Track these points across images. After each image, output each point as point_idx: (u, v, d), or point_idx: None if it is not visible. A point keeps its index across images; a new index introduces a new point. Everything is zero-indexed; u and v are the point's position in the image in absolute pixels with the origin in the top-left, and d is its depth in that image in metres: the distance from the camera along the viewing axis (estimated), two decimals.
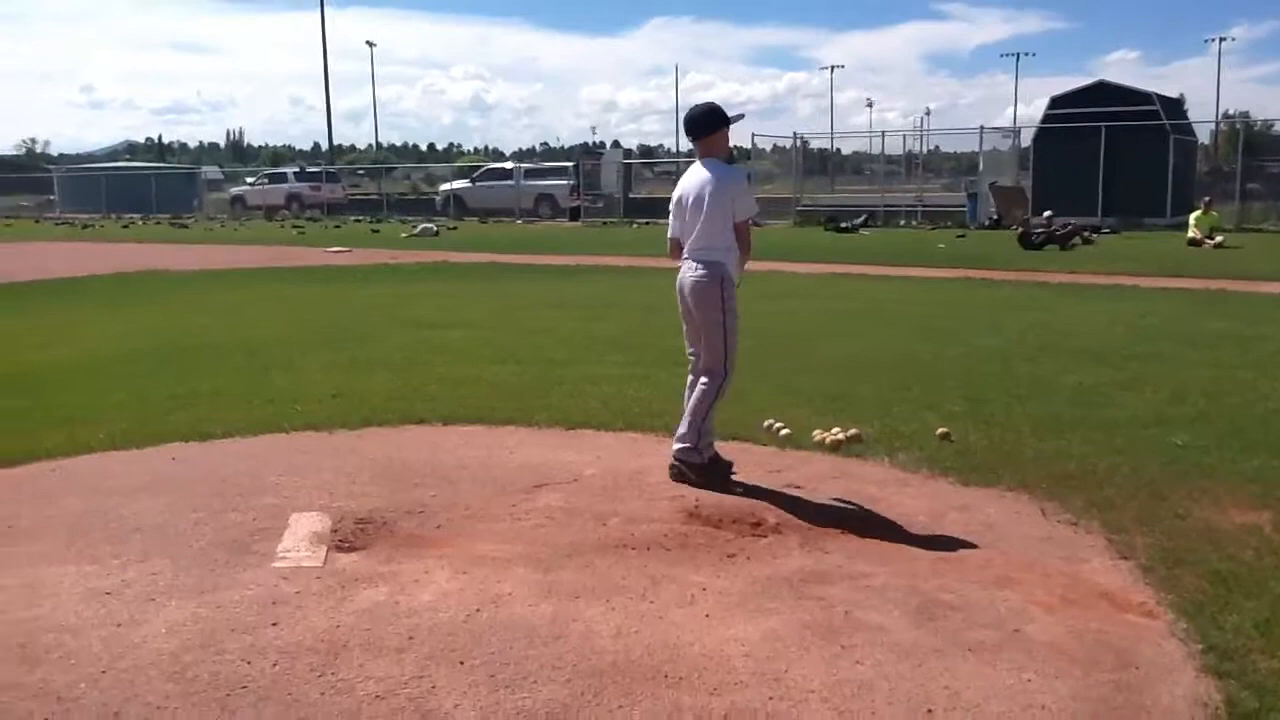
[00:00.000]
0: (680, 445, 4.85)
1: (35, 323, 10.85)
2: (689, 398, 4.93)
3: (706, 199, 4.77)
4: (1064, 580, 3.72)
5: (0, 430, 5.87)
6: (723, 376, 4.86)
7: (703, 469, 4.82)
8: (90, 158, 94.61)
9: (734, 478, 4.84)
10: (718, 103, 5.08)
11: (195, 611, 3.42)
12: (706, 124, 4.88)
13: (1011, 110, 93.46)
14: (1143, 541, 4.06)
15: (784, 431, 5.67)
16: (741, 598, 3.53)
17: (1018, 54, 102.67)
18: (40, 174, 62.44)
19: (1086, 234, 21.29)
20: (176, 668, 3.04)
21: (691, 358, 5.01)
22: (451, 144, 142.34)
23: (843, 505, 4.53)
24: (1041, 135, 29.39)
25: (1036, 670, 3.03)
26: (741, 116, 5.08)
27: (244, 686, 2.93)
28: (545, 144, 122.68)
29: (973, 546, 4.05)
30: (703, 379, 4.89)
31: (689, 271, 4.85)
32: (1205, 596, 3.54)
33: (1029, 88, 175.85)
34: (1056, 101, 29.62)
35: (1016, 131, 33.50)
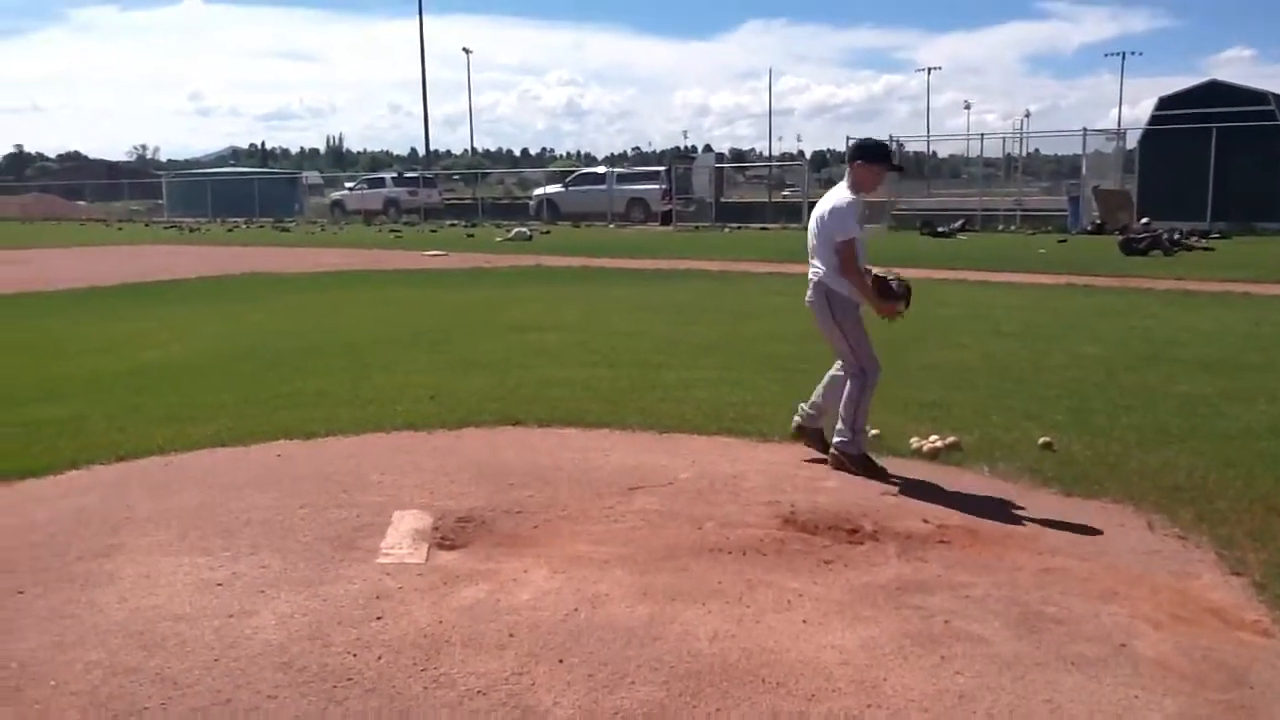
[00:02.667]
0: (838, 439, 5.18)
1: (151, 323, 11.25)
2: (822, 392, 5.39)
3: (821, 224, 5.16)
4: (1173, 595, 3.62)
5: (119, 426, 6.11)
6: (861, 376, 5.14)
7: (860, 460, 5.12)
8: (197, 163, 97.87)
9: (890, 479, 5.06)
10: (886, 144, 5.69)
11: (303, 604, 3.52)
12: (860, 153, 5.20)
13: (1116, 112, 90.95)
14: (1256, 558, 3.93)
15: (874, 434, 5.61)
16: (839, 605, 3.51)
17: (1123, 53, 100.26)
18: (150, 179, 64.81)
19: (1194, 239, 20.62)
20: (285, 658, 3.13)
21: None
22: (545, 149, 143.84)
23: (942, 513, 4.46)
24: (1148, 137, 28.51)
25: (1144, 687, 2.96)
26: (901, 169, 5.44)
27: (350, 679, 3.01)
28: (637, 148, 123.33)
29: (1077, 559, 3.96)
30: (848, 381, 5.21)
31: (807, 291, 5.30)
32: None
33: (1135, 88, 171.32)
34: (1165, 102, 28.70)
35: (1121, 134, 32.55)
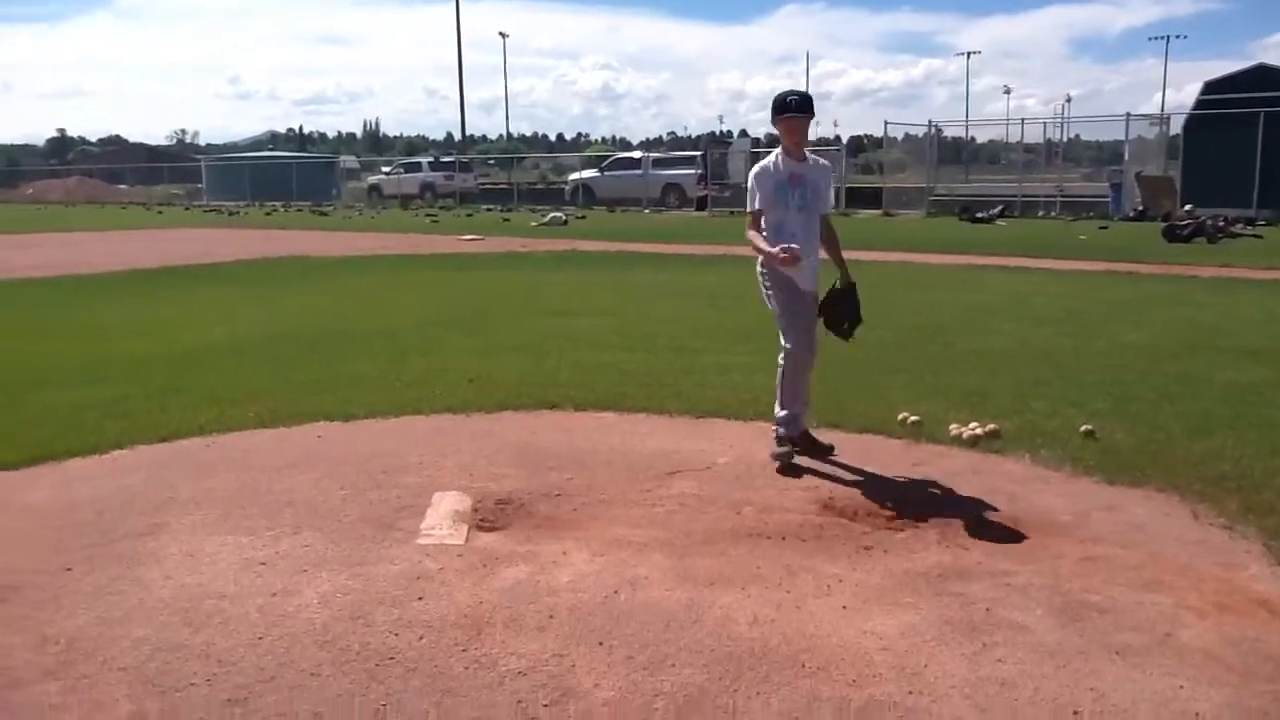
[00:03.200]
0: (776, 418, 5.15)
1: (191, 306, 11.38)
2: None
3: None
4: (1218, 585, 3.57)
5: (161, 407, 6.18)
6: (787, 355, 5.04)
7: (783, 442, 5.05)
8: (235, 147, 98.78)
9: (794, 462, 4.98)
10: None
11: (345, 584, 3.55)
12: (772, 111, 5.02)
13: (1159, 96, 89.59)
14: None
15: (914, 420, 5.59)
16: (879, 591, 3.50)
17: (1167, 37, 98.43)
18: (189, 163, 65.40)
19: (1240, 226, 20.29)
20: (328, 637, 3.16)
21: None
22: (580, 134, 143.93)
23: (981, 501, 4.43)
24: (1193, 122, 28.01)
25: (1189, 677, 2.93)
26: (801, 110, 4.98)
27: (392, 658, 3.03)
28: (672, 133, 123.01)
29: (1120, 547, 3.92)
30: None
31: None
32: None
33: (1179, 72, 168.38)
34: (1211, 86, 28.18)
35: (1165, 119, 32.05)
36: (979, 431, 5.37)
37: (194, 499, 4.49)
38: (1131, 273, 13.82)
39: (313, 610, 3.35)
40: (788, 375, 5.07)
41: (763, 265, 5.05)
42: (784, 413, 5.09)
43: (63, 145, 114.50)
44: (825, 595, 3.46)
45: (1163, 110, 39.90)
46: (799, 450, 5.07)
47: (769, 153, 5.20)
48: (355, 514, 4.27)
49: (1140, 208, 26.70)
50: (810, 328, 5.09)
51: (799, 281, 5.00)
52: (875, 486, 4.62)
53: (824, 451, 5.14)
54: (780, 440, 5.08)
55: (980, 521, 4.18)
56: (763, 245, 4.94)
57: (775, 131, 5.08)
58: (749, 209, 5.06)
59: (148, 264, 16.52)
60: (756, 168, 5.06)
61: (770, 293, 5.06)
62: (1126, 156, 30.15)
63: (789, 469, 4.90)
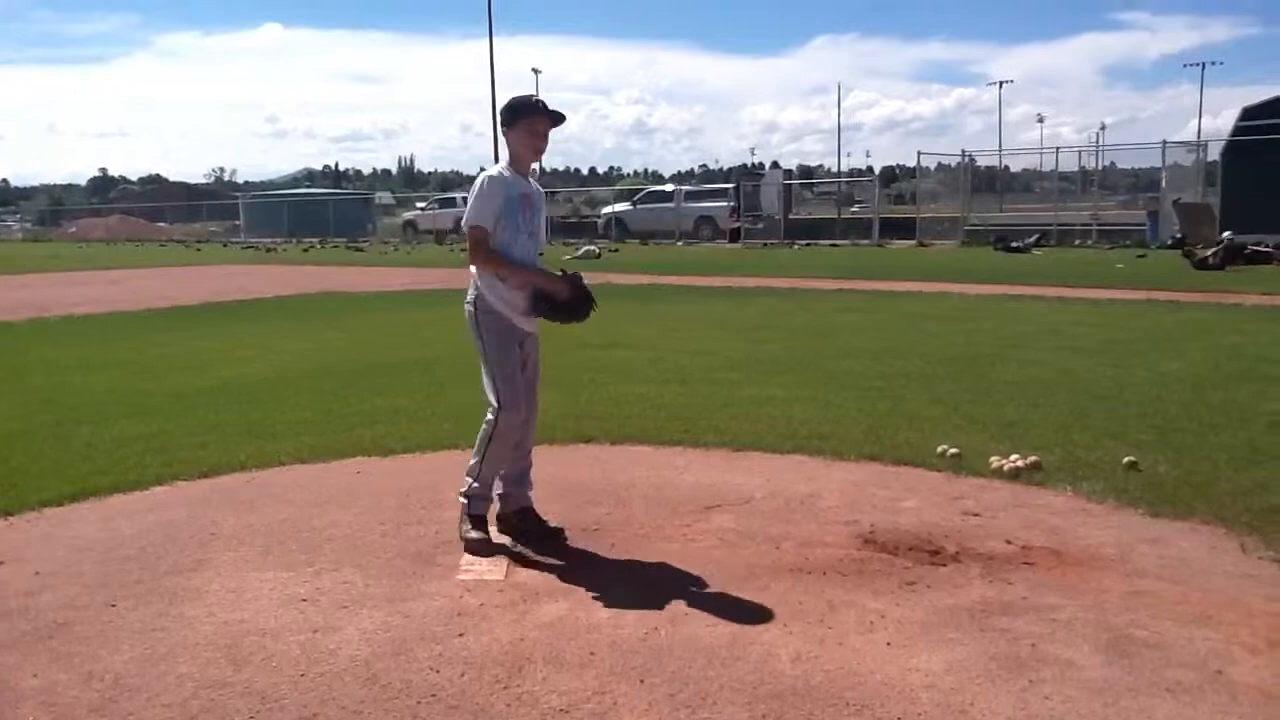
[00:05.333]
0: (462, 487, 4.39)
1: (230, 341, 11.50)
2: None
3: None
4: (1269, 621, 3.50)
5: (202, 443, 6.24)
6: (495, 413, 4.26)
7: (474, 521, 4.33)
8: (273, 185, 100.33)
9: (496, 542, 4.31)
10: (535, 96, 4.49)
11: (385, 620, 3.56)
12: (504, 119, 4.28)
13: (1195, 123, 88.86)
14: None
15: (953, 452, 5.54)
16: (923, 627, 3.45)
17: (1203, 63, 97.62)
18: (228, 201, 66.44)
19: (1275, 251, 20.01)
20: (369, 674, 3.17)
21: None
22: (612, 167, 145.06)
23: (1024, 535, 4.38)
24: (1231, 149, 27.79)
25: (1242, 715, 2.87)
26: (551, 114, 4.27)
27: (433, 695, 3.03)
28: (704, 165, 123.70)
29: (1167, 582, 3.85)
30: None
31: None
32: None
33: (1216, 98, 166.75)
34: (1249, 112, 27.96)
35: (1202, 145, 31.79)
36: (1020, 464, 5.31)
37: (235, 535, 4.53)
38: (1172, 301, 13.67)
39: (354, 647, 3.36)
40: (497, 439, 4.26)
41: (479, 300, 4.29)
42: (476, 484, 4.32)
43: (105, 184, 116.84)
44: (868, 631, 3.42)
45: (1199, 136, 39.54)
46: (516, 529, 4.41)
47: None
48: (395, 549, 4.29)
49: (1178, 235, 26.44)
50: (530, 381, 4.41)
51: (522, 324, 4.32)
52: (916, 520, 4.58)
53: (552, 535, 4.39)
54: (474, 518, 4.32)
55: (1024, 555, 4.12)
56: (523, 270, 4.24)
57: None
58: (474, 220, 4.20)
59: (188, 300, 16.76)
60: (488, 176, 4.25)
61: (484, 337, 4.28)
62: (1164, 184, 29.91)
63: (481, 547, 4.22)
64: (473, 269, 4.32)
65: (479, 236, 4.20)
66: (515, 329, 4.31)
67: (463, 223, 4.29)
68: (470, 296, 4.34)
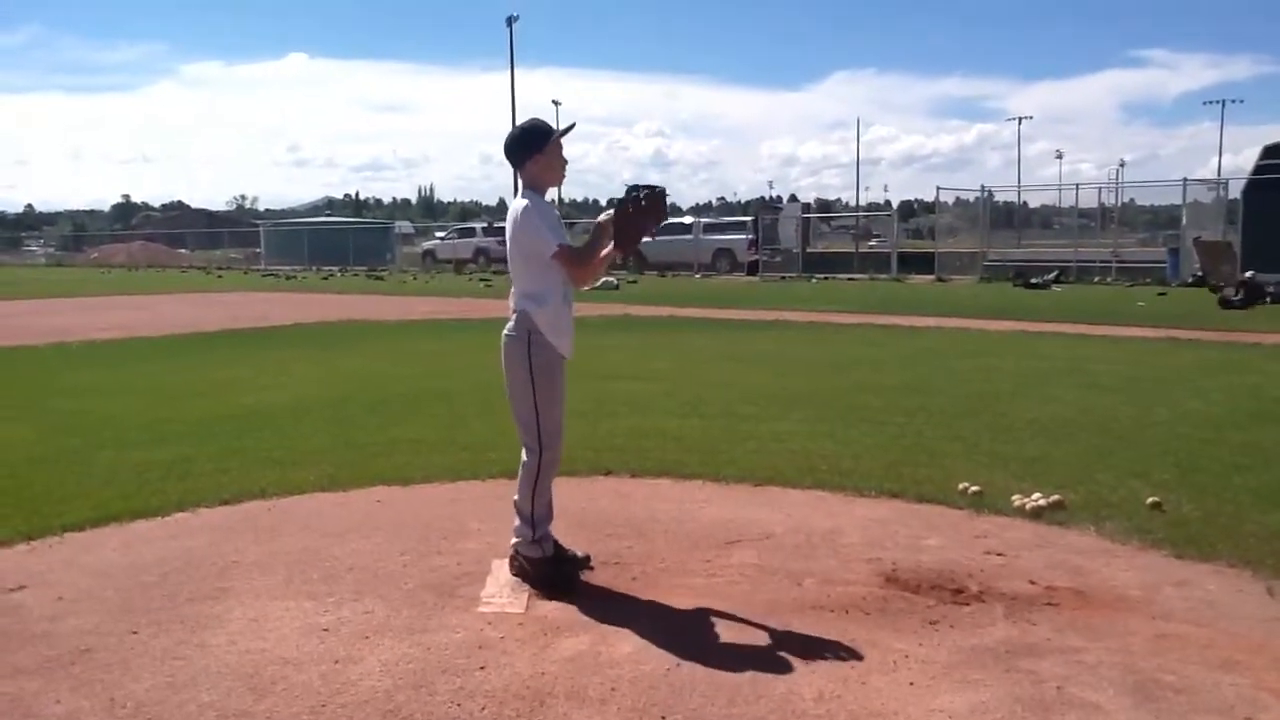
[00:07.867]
0: (515, 539, 4.27)
1: (251, 368, 11.56)
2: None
3: (509, 240, 4.21)
4: None
5: (223, 469, 6.27)
6: (537, 452, 4.19)
7: (545, 565, 4.22)
8: (293, 213, 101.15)
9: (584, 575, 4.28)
10: (544, 122, 4.42)
11: (406, 652, 3.55)
12: (523, 146, 4.24)
13: (1215, 161, 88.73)
14: None
15: (974, 490, 5.51)
16: (946, 667, 3.43)
17: (1223, 101, 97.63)
18: (248, 228, 66.99)
19: None
20: (390, 706, 3.16)
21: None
22: None
23: (1048, 575, 4.34)
24: (1253, 187, 27.65)
25: None
26: (567, 129, 4.26)
27: None
28: (722, 198, 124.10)
29: (1193, 624, 3.82)
30: (523, 457, 4.25)
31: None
32: None
33: (1236, 136, 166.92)
34: (1271, 151, 27.83)
35: (1223, 183, 31.73)
36: (1043, 502, 5.28)
37: (256, 563, 4.54)
38: (1193, 340, 13.60)
39: (375, 678, 3.35)
40: (542, 476, 4.21)
41: (533, 335, 4.16)
42: (532, 531, 4.22)
43: (127, 210, 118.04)
44: (891, 671, 3.40)
45: (1219, 174, 39.48)
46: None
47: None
48: (416, 580, 4.28)
49: (1199, 273, 26.35)
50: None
51: (568, 349, 4.27)
52: (938, 559, 4.55)
53: (580, 564, 4.39)
54: (542, 562, 4.21)
55: (1048, 596, 4.09)
56: (598, 246, 4.21)
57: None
58: (555, 241, 4.12)
59: (209, 327, 16.87)
60: (530, 204, 4.15)
61: (534, 372, 4.16)
62: (1184, 221, 29.83)
63: (567, 577, 4.21)
64: (511, 302, 4.25)
65: (568, 254, 4.13)
66: (562, 359, 4.25)
67: (546, 256, 4.11)
68: (516, 330, 4.20)
